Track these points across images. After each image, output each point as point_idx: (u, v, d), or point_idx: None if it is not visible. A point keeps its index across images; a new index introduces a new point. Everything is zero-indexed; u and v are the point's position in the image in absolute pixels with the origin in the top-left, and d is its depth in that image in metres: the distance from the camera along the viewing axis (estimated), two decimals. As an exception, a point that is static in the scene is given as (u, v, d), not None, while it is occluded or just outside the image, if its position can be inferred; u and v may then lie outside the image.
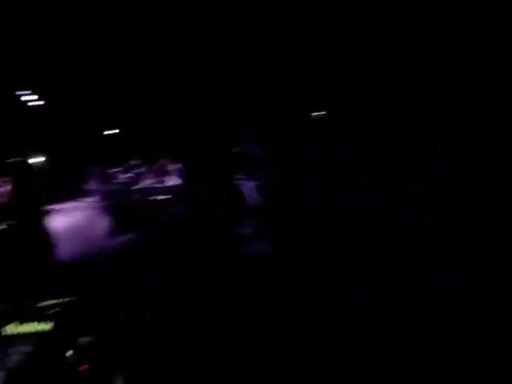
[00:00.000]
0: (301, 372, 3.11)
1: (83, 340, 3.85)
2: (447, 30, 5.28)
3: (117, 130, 13.35)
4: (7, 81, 8.12)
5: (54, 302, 4.66)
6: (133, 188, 9.70)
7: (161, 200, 9.38)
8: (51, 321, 4.29)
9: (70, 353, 3.69)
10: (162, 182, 9.51)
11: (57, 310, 4.56)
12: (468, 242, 4.06)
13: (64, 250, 7.58)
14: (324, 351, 3.28)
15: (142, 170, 10.31)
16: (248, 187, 8.16)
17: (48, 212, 11.36)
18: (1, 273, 5.34)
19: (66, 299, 4.74)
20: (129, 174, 10.61)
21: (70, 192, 12.11)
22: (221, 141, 10.19)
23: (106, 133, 13.95)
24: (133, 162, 10.77)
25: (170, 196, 9.21)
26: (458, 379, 2.79)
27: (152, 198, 9.57)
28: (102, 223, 9.14)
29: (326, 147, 6.36)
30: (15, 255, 5.89)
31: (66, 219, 10.36)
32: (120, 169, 11.42)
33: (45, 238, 6.82)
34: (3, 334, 4.07)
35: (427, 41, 5.51)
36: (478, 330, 3.14)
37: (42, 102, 10.67)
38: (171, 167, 9.60)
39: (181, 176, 9.26)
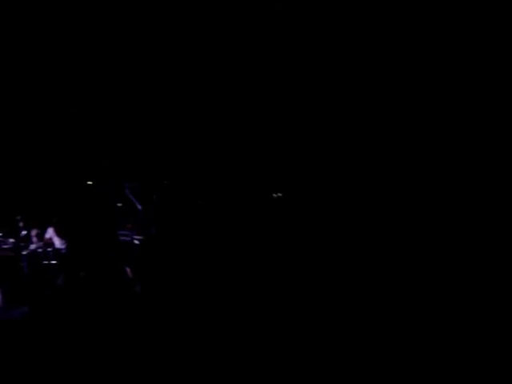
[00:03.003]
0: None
1: None
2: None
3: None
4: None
5: None
6: (22, 253, 8.80)
7: (52, 264, 8.75)
8: None
9: None
10: (49, 245, 8.74)
11: None
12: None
13: None
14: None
15: (28, 232, 9.40)
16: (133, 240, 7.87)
17: None
18: None
19: None
20: (13, 239, 9.65)
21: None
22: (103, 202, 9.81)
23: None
24: (19, 224, 9.80)
25: (58, 260, 8.61)
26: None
27: (43, 262, 8.84)
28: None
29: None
30: None
31: None
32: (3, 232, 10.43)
33: None
34: None
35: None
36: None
37: None
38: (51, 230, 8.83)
39: (65, 239, 8.68)
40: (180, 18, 6.00)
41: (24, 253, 8.93)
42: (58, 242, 8.81)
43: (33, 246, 9.10)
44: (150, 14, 5.90)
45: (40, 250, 8.94)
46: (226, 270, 6.85)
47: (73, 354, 5.12)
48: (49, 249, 8.91)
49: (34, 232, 9.44)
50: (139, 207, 8.40)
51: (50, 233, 8.90)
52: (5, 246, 9.90)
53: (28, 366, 4.91)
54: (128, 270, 8.54)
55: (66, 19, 5.85)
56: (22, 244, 9.30)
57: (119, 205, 9.49)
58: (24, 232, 9.49)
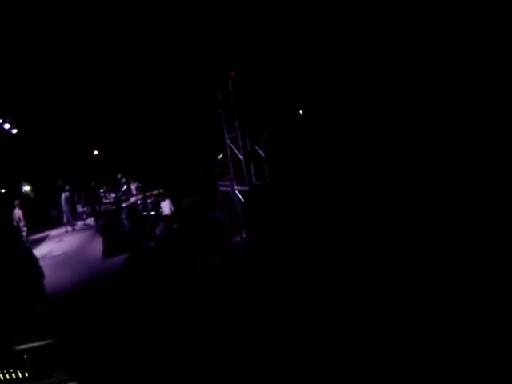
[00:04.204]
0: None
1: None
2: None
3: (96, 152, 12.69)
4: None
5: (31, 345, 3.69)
6: (122, 206, 8.69)
7: (152, 215, 8.56)
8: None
9: None
10: (148, 197, 8.63)
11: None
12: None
13: (57, 279, 6.76)
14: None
15: (128, 187, 9.35)
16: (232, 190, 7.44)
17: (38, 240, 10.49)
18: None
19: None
20: (114, 194, 9.68)
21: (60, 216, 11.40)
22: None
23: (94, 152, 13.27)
24: (121, 180, 9.84)
25: (156, 212, 8.58)
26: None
27: (143, 214, 8.65)
28: (97, 246, 8.23)
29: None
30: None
31: (58, 245, 9.55)
32: (106, 188, 10.57)
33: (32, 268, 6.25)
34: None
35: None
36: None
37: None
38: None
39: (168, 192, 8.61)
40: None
41: (124, 205, 8.80)
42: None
43: (133, 199, 8.98)
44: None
45: (139, 202, 8.77)
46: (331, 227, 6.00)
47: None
48: (148, 200, 8.71)
49: (134, 185, 9.38)
50: (241, 157, 7.80)
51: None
52: (106, 201, 9.98)
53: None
54: (227, 219, 7.99)
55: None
56: (123, 198, 9.25)
57: (220, 156, 9.05)
58: (125, 186, 9.47)
